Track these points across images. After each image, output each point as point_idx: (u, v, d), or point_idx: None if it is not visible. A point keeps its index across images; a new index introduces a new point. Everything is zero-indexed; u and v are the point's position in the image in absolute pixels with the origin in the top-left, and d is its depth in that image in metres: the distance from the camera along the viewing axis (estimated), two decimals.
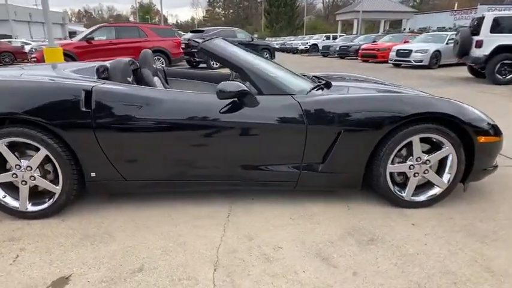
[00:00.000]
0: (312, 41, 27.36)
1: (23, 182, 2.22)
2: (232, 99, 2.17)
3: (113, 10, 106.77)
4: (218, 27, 14.50)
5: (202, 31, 13.42)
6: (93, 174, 2.25)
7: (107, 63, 2.63)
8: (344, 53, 19.37)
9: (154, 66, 3.16)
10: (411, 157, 2.31)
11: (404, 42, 15.38)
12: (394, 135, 2.23)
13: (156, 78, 3.13)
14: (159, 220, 2.27)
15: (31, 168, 2.19)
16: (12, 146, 2.19)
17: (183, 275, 1.75)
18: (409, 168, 2.32)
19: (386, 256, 1.89)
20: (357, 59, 17.49)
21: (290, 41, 31.89)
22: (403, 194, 2.37)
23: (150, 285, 1.68)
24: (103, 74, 2.56)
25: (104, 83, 2.24)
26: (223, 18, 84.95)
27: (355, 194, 2.57)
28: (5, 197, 2.27)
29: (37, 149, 2.16)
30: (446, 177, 2.35)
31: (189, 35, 13.41)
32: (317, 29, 48.89)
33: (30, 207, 2.27)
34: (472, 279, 1.70)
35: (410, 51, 12.96)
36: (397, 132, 2.23)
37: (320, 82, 2.81)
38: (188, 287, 1.67)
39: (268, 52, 14.65)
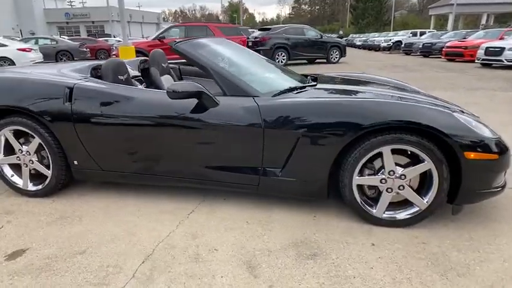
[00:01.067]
0: (396, 38, 25.48)
1: (25, 165, 2.59)
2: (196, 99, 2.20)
3: (205, 9, 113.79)
4: (286, 25, 14.44)
5: (269, 29, 13.55)
6: (75, 162, 2.52)
7: (102, 62, 2.88)
8: (427, 51, 17.65)
9: (164, 65, 3.33)
10: (384, 170, 2.07)
11: (500, 39, 13.38)
12: (361, 144, 2.02)
13: (166, 77, 3.31)
14: (128, 211, 2.43)
15: (29, 153, 2.54)
16: (17, 134, 2.56)
17: (112, 263, 1.86)
18: (381, 182, 2.08)
19: (318, 274, 1.74)
20: (441, 57, 15.80)
21: (373, 37, 30.17)
22: (373, 210, 2.14)
23: (81, 268, 1.83)
24: (98, 72, 2.81)
25: (87, 81, 2.48)
26: (309, 15, 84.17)
27: (329, 205, 2.40)
28: (12, 176, 2.67)
29: (33, 137, 2.50)
30: (428, 196, 2.05)
31: (257, 33, 13.66)
32: (408, 26, 45.19)
33: (31, 187, 2.64)
34: None
35: (503, 49, 11.24)
36: (364, 141, 2.02)
37: (307, 84, 2.68)
38: (110, 274, 1.78)
39: (338, 50, 14.16)
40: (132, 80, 2.93)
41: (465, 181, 1.99)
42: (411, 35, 25.02)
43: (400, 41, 24.33)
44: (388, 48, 25.12)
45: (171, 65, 3.59)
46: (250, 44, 13.19)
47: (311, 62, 14.44)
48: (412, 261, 1.83)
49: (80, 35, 37.05)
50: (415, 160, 2.05)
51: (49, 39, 16.49)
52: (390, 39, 25.61)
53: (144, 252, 1.95)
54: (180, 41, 2.45)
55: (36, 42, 15.59)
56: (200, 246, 2.00)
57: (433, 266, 1.79)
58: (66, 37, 21.74)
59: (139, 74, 3.28)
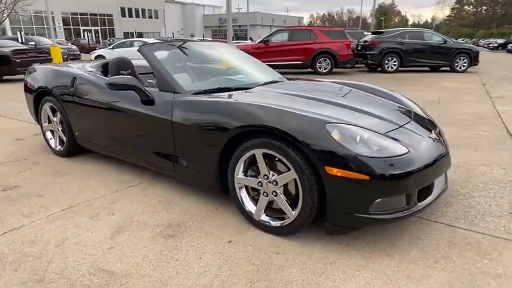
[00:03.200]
0: None
1: (56, 131, 3.54)
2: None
3: (352, 13, 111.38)
4: (402, 28, 13.18)
5: (381, 32, 12.71)
6: (77, 134, 3.31)
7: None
8: None
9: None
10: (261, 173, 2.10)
11: None
12: (240, 145, 2.11)
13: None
14: (95, 175, 3.08)
15: (57, 123, 3.47)
16: (52, 109, 3.52)
17: (61, 202, 2.51)
18: (258, 184, 2.12)
19: (155, 246, 1.98)
20: None
21: None
22: (253, 211, 2.18)
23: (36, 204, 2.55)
24: (105, 67, 3.54)
25: (89, 73, 3.21)
26: (472, 17, 72.97)
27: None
28: (51, 139, 3.66)
29: (55, 112, 3.42)
30: (297, 207, 1.99)
31: (369, 37, 13.01)
32: None
33: (58, 148, 3.57)
34: None
35: None
36: (243, 142, 2.10)
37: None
38: (45, 208, 2.43)
39: (467, 57, 12.16)
40: (139, 75, 3.57)
41: (329, 199, 1.86)
42: None
43: None
44: None
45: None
46: (359, 48, 12.72)
47: (434, 70, 12.87)
48: (243, 264, 1.86)
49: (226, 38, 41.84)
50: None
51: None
52: None
53: (68, 203, 2.53)
54: (143, 45, 2.94)
55: None
56: (105, 209, 2.46)
57: (256, 274, 1.78)
58: (210, 38, 24.95)
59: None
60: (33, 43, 16.53)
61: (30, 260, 1.90)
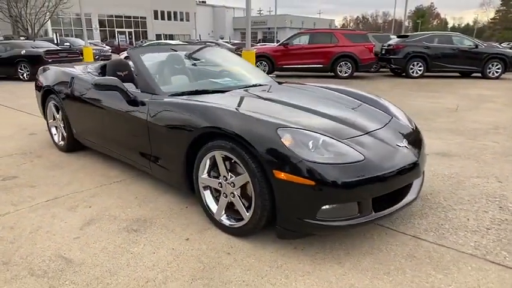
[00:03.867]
0: None
1: (58, 127, 3.77)
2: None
3: (387, 15, 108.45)
4: (430, 32, 12.69)
5: (407, 36, 12.33)
6: (74, 131, 3.51)
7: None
8: None
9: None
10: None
11: None
12: (203, 146, 2.17)
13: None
14: (85, 170, 3.25)
15: (59, 120, 3.70)
16: (56, 106, 3.75)
17: (53, 185, 2.70)
18: (219, 185, 2.17)
19: (116, 238, 2.08)
20: None
21: None
22: (214, 211, 2.23)
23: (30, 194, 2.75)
24: (104, 69, 3.72)
25: (86, 74, 3.40)
26: None
27: None
28: (55, 134, 3.90)
29: (58, 109, 3.64)
30: (251, 210, 2.02)
31: (393, 40, 12.65)
32: None
33: (61, 143, 3.80)
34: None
35: None
36: (206, 143, 2.16)
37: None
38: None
39: (501, 63, 11.53)
40: (135, 77, 3.72)
41: (278, 203, 1.88)
42: None
43: None
44: None
45: None
46: (383, 52, 12.42)
47: (465, 76, 12.32)
48: (192, 261, 1.92)
49: (256, 40, 42.17)
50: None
51: (213, 43, 19.86)
52: None
53: (54, 195, 2.70)
54: (133, 48, 3.07)
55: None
56: (84, 202, 2.60)
57: (200, 272, 1.84)
58: (237, 41, 25.25)
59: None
60: (68, 44, 17.47)
61: (3, 244, 2.07)
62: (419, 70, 11.74)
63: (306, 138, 1.90)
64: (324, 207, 1.82)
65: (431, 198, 2.71)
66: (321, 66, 11.59)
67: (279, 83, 3.37)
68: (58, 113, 3.72)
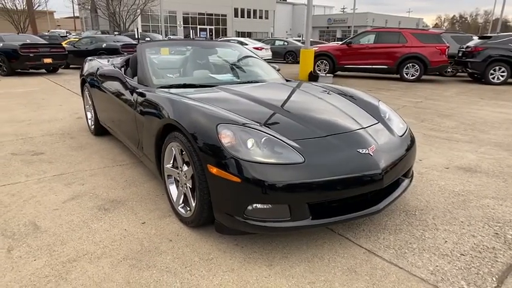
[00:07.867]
0: None
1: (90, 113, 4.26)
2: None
3: (489, 14, 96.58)
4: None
5: (490, 37, 10.87)
6: (99, 117, 3.92)
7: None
8: None
9: None
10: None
11: None
12: (166, 137, 2.29)
13: None
14: (102, 153, 3.61)
15: (91, 106, 4.17)
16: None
17: (71, 164, 3.11)
18: (177, 175, 2.27)
19: (82, 209, 2.32)
20: None
21: None
22: (174, 200, 2.34)
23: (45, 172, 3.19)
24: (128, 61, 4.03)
25: (109, 66, 3.76)
26: None
27: None
28: (90, 118, 4.40)
29: (90, 96, 4.10)
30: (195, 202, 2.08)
31: (474, 42, 11.28)
32: None
33: (92, 127, 4.28)
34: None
35: None
36: (168, 133, 2.27)
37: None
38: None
39: None
40: None
41: (212, 197, 1.91)
42: None
43: None
44: None
45: None
46: (460, 54, 11.19)
47: None
48: (133, 243, 2.05)
49: (334, 38, 41.08)
50: None
51: (282, 41, 19.82)
52: None
53: (62, 171, 3.08)
54: (142, 43, 3.30)
55: (273, 44, 19.17)
56: (81, 180, 2.92)
57: (134, 253, 1.96)
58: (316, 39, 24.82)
59: None
60: (148, 38, 19.15)
61: None
62: (502, 76, 10.32)
63: (246, 135, 1.89)
64: (250, 206, 1.80)
65: (418, 214, 2.46)
66: (386, 67, 10.91)
67: (287, 80, 3.34)
68: (90, 99, 4.19)
